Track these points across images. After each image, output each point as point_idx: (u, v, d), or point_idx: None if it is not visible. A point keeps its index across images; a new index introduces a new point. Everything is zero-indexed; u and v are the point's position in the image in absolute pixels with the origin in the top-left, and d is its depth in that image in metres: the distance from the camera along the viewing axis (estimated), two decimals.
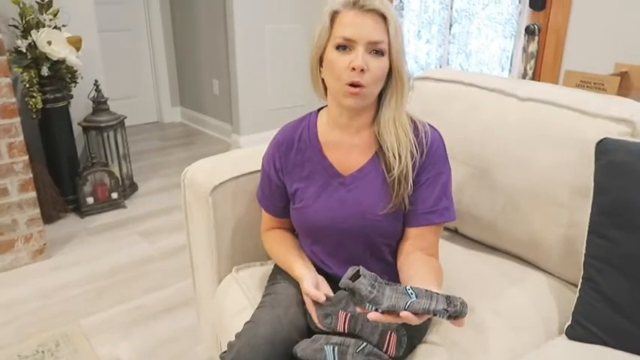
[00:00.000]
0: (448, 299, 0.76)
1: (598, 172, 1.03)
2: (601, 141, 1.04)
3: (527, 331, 1.09)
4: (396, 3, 2.95)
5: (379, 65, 0.94)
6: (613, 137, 1.05)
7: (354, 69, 0.92)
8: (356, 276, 0.79)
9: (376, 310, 0.76)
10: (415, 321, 0.76)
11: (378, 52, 0.94)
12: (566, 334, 1.04)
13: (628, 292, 0.96)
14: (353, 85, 0.94)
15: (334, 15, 0.95)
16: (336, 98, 1.00)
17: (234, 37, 3.32)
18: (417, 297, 0.76)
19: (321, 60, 1.00)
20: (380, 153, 1.02)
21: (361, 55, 0.92)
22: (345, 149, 1.05)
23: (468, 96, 1.39)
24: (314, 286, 0.99)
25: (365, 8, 0.93)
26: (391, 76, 0.98)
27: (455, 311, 0.74)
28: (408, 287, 0.78)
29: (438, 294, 0.77)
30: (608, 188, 1.01)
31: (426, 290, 0.78)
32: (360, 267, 0.81)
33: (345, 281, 0.78)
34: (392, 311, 0.75)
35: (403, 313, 0.75)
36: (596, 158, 1.05)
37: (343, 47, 0.94)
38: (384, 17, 0.93)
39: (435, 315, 0.75)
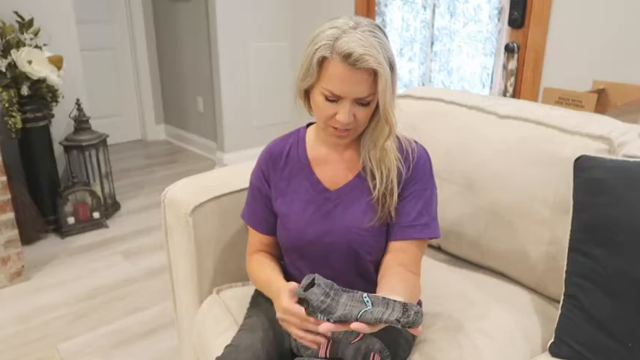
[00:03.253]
0: (405, 307, 0.74)
1: (577, 190, 1.04)
2: (579, 158, 1.05)
3: (511, 350, 1.08)
4: (379, 22, 2.98)
5: (365, 112, 0.94)
6: (591, 154, 1.06)
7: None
8: (311, 285, 0.77)
9: (328, 320, 0.74)
10: (367, 330, 0.74)
11: (365, 104, 0.93)
12: (550, 352, 1.04)
13: (610, 310, 0.96)
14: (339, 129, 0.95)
15: (323, 61, 0.90)
16: (323, 131, 1.00)
17: (218, 54, 3.33)
18: (372, 305, 0.74)
19: (307, 90, 0.98)
20: (367, 169, 1.02)
21: (348, 111, 0.91)
22: (332, 165, 1.06)
23: (448, 114, 1.40)
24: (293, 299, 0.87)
25: (357, 66, 0.87)
26: (376, 114, 0.96)
27: (407, 322, 0.72)
28: (364, 295, 0.76)
29: (395, 301, 0.75)
30: (588, 205, 1.02)
31: (384, 298, 0.76)
32: (316, 275, 0.78)
33: (298, 291, 0.76)
34: (344, 321, 0.74)
35: (354, 325, 0.73)
36: (574, 175, 1.06)
37: (331, 99, 0.92)
38: (375, 73, 0.89)
39: (387, 324, 0.73)
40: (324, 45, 0.89)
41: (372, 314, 0.73)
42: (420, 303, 1.14)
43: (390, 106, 0.94)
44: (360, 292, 0.78)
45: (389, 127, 0.97)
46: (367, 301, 0.75)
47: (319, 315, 0.74)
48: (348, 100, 0.91)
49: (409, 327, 0.73)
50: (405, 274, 0.98)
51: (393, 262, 1.01)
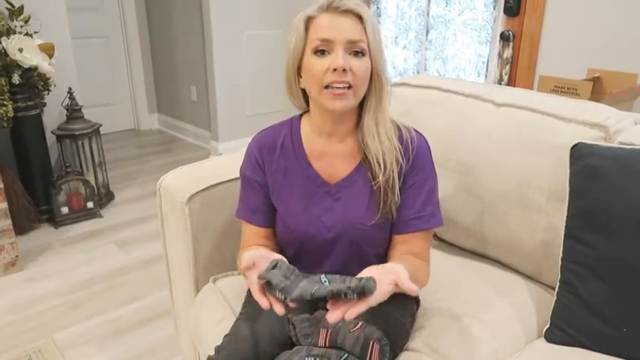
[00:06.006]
0: (360, 279, 0.75)
1: (573, 177, 1.05)
2: (575, 146, 1.06)
3: (507, 336, 1.09)
4: (374, 9, 2.96)
5: (361, 65, 0.91)
6: (587, 142, 1.06)
7: (335, 70, 0.89)
8: (273, 267, 0.81)
9: (285, 298, 0.77)
10: (338, 316, 0.73)
11: (359, 53, 0.91)
12: (545, 338, 1.05)
13: (605, 295, 0.97)
14: (336, 86, 0.91)
15: (309, 21, 0.93)
16: (321, 104, 0.96)
17: (211, 43, 3.30)
18: (329, 283, 0.77)
19: (299, 69, 0.97)
20: (365, 161, 1.00)
21: (341, 55, 0.89)
22: (330, 157, 1.03)
23: (445, 102, 1.40)
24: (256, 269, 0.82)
25: (340, 9, 0.90)
26: (371, 79, 0.95)
27: (357, 286, 0.73)
28: (322, 276, 0.79)
29: (352, 278, 0.77)
30: (584, 192, 1.02)
31: (341, 276, 0.78)
32: (280, 259, 0.82)
33: (260, 274, 0.80)
34: (300, 299, 0.76)
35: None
36: (570, 163, 1.06)
37: (322, 51, 0.91)
38: (360, 17, 0.91)
39: (341, 295, 0.74)
40: (309, 8, 0.94)
41: (325, 288, 0.75)
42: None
43: (382, 60, 0.95)
44: (320, 275, 0.80)
45: (380, 86, 0.96)
46: (324, 281, 0.78)
47: (278, 293, 0.78)
48: (340, 45, 0.90)
49: (361, 293, 0.74)
50: (415, 260, 0.99)
51: (400, 253, 1.01)
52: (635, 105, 1.95)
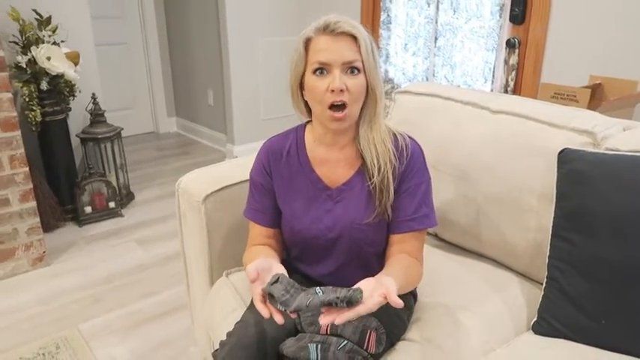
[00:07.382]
0: (348, 290, 0.85)
1: (559, 180, 1.12)
2: (562, 151, 1.13)
3: (498, 328, 1.17)
4: (384, 17, 3.04)
5: (356, 83, 1.01)
6: (573, 148, 1.13)
7: (333, 91, 0.99)
8: (276, 281, 0.91)
9: (285, 310, 0.88)
10: (329, 320, 0.83)
11: (354, 70, 1.00)
12: (533, 330, 1.13)
13: (586, 291, 1.04)
14: (336, 106, 1.00)
15: (308, 42, 1.02)
16: (321, 121, 1.07)
17: (227, 49, 3.42)
18: (323, 294, 0.87)
19: (302, 84, 1.07)
20: (364, 167, 1.09)
21: (338, 77, 0.99)
22: (331, 164, 1.12)
23: (445, 109, 1.47)
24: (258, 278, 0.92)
25: (335, 32, 0.99)
26: (367, 93, 1.05)
27: (345, 296, 0.83)
28: (317, 288, 0.89)
29: (342, 288, 0.87)
30: (569, 195, 1.09)
31: (333, 287, 0.88)
32: (281, 274, 0.92)
33: (264, 287, 0.91)
34: (298, 310, 0.86)
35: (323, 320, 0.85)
36: (558, 167, 1.13)
37: (320, 71, 1.01)
38: (354, 38, 1.00)
39: (332, 304, 0.84)
40: (308, 30, 1.03)
41: (318, 298, 0.86)
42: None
43: (376, 75, 1.03)
44: (315, 287, 0.91)
45: (374, 99, 1.04)
46: (318, 292, 0.88)
47: (279, 305, 0.88)
48: (337, 67, 0.99)
49: (349, 302, 0.83)
50: (408, 261, 1.06)
51: (396, 252, 1.09)
52: (636, 112, 2.00)
